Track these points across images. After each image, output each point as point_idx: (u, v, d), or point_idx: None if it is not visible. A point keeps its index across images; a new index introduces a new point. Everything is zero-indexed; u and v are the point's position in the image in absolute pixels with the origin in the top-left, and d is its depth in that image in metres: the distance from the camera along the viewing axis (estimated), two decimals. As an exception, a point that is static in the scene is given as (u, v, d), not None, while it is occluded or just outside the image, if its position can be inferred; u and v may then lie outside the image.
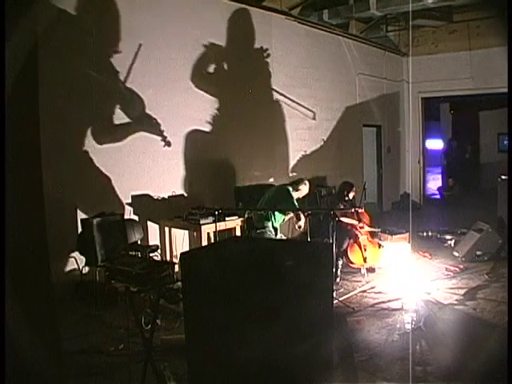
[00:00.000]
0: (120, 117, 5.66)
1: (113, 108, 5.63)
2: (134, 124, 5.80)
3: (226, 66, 7.04)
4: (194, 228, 5.72)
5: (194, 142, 6.56)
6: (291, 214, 5.73)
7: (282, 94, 8.01)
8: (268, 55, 7.73)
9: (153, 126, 5.97)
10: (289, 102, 8.16)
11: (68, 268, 5.15)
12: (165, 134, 6.06)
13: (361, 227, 6.04)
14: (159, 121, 6.00)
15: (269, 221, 5.63)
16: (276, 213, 5.61)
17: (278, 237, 5.71)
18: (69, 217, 4.99)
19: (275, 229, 5.71)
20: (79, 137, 5.32)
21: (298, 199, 5.75)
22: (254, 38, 7.51)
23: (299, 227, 5.50)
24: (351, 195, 6.15)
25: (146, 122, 5.91)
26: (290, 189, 5.74)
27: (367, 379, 3.45)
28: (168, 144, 6.12)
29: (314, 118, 8.74)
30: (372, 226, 6.31)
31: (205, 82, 6.69)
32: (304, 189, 5.86)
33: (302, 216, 5.41)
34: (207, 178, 6.75)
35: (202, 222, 5.52)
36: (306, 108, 8.54)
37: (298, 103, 8.36)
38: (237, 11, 7.15)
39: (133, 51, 5.76)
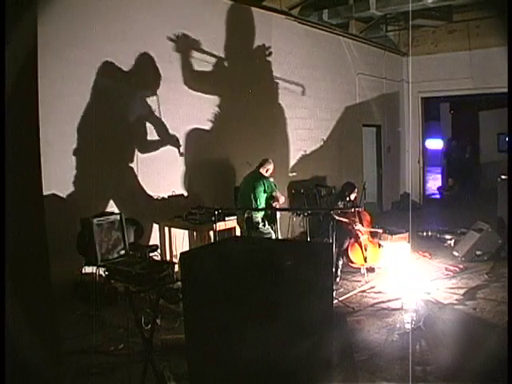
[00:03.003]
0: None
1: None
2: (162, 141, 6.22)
3: (225, 67, 7.03)
4: (195, 228, 5.73)
5: (194, 142, 6.56)
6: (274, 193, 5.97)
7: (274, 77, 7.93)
8: (270, 53, 7.72)
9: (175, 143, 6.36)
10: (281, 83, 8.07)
11: (68, 268, 5.15)
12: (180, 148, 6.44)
13: (357, 223, 6.04)
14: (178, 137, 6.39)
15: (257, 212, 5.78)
16: (258, 199, 5.78)
17: (267, 227, 5.85)
18: (69, 217, 4.98)
19: (263, 219, 5.83)
20: (80, 136, 5.32)
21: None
22: (254, 37, 7.51)
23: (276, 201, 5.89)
24: (353, 196, 6.15)
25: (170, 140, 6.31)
26: (261, 172, 5.98)
27: (367, 379, 3.45)
28: (181, 155, 6.44)
29: (303, 94, 8.54)
30: (372, 225, 6.32)
31: (203, 83, 6.68)
32: (270, 168, 6.06)
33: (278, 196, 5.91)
34: (207, 178, 6.75)
35: (205, 221, 5.55)
36: (294, 84, 8.31)
37: (284, 80, 8.11)
38: (237, 11, 7.14)
39: (133, 51, 5.77)
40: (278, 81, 7.93)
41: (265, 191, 5.82)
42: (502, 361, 2.52)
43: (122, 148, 5.78)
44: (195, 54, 6.56)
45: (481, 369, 3.35)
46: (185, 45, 6.39)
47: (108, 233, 4.41)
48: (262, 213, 5.87)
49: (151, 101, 6.01)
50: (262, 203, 5.79)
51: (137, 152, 5.88)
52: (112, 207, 5.53)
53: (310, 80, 8.64)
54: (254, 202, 5.77)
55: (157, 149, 6.13)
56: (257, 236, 5.67)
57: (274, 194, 5.91)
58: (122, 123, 5.77)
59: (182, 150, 6.40)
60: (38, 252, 2.36)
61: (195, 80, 6.57)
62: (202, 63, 6.66)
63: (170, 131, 6.28)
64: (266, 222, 5.88)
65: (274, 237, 5.86)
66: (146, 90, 5.96)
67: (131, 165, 5.84)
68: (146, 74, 5.94)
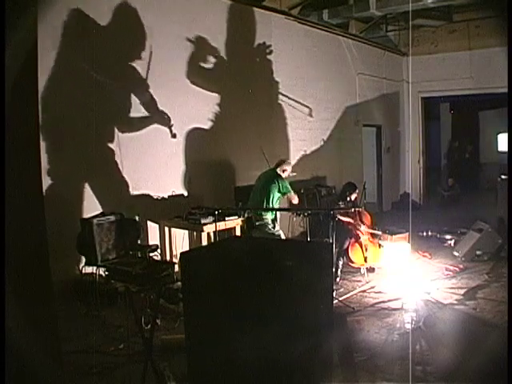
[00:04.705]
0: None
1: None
2: (150, 118, 6.05)
3: (225, 67, 7.02)
4: (195, 228, 5.72)
5: (194, 141, 6.56)
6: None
7: (280, 93, 8.03)
8: (270, 52, 7.72)
9: (164, 120, 6.20)
10: (287, 100, 8.17)
11: (68, 268, 5.15)
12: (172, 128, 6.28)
13: (361, 225, 6.04)
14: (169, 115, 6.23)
15: (267, 212, 5.70)
16: (271, 197, 5.69)
17: (277, 229, 5.79)
18: (69, 217, 4.99)
19: (273, 220, 5.78)
20: (80, 137, 5.32)
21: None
22: (255, 37, 7.51)
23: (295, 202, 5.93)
24: (353, 196, 6.16)
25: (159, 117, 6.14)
26: (278, 171, 5.89)
27: (367, 379, 3.45)
28: (174, 136, 6.29)
29: (310, 115, 8.68)
30: (373, 225, 6.33)
31: (204, 80, 6.68)
32: (288, 169, 6.01)
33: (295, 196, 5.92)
34: (207, 178, 6.75)
35: (203, 221, 5.54)
36: (302, 105, 8.49)
37: (295, 100, 8.33)
38: (237, 11, 7.14)
39: (133, 51, 5.77)
40: (278, 81, 7.95)
41: (279, 191, 5.72)
42: (501, 361, 2.52)
43: (121, 147, 5.78)
44: (196, 53, 6.57)
45: (481, 369, 3.35)
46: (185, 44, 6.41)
47: (108, 233, 4.41)
48: (273, 214, 5.80)
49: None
50: (274, 203, 5.69)
51: (137, 152, 5.87)
52: (111, 207, 5.52)
53: (310, 80, 8.64)
54: (265, 201, 5.64)
55: (143, 127, 5.97)
56: (264, 236, 5.59)
57: (288, 194, 5.85)
58: (121, 120, 5.77)
59: (174, 131, 6.26)
60: (38, 252, 2.36)
61: (198, 75, 6.57)
62: (203, 63, 6.67)
63: (160, 107, 6.11)
64: (276, 224, 5.86)
65: (283, 237, 5.82)
66: (146, 88, 5.97)
67: (132, 165, 5.83)
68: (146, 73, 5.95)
